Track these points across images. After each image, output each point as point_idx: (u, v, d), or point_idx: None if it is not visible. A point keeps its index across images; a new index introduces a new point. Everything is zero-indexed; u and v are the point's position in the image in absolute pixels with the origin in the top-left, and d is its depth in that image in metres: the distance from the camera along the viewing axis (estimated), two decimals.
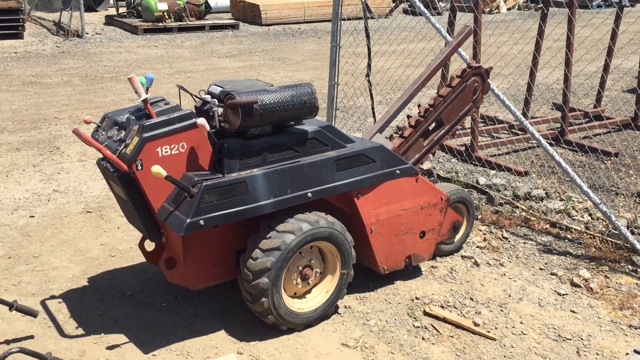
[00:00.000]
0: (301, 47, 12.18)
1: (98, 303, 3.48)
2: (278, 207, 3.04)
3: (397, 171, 3.48)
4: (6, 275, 3.72)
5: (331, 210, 3.48)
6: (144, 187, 2.88)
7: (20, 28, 11.57)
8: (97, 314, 3.38)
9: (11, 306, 3.02)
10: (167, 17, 13.23)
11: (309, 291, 3.35)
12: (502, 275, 3.90)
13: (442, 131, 4.13)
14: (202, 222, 2.84)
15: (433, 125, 4.14)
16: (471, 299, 3.61)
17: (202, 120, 2.88)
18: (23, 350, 2.58)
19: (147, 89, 3.18)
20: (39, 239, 4.19)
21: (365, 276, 3.76)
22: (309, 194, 3.14)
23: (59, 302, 3.47)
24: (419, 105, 4.14)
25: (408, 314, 3.44)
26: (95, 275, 3.76)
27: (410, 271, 3.87)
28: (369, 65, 5.88)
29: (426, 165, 5.67)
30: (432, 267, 3.95)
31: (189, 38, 12.75)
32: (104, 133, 3.10)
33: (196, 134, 2.94)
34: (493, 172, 5.48)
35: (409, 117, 4.12)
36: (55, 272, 3.77)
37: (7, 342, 3.11)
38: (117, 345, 3.11)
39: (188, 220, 2.80)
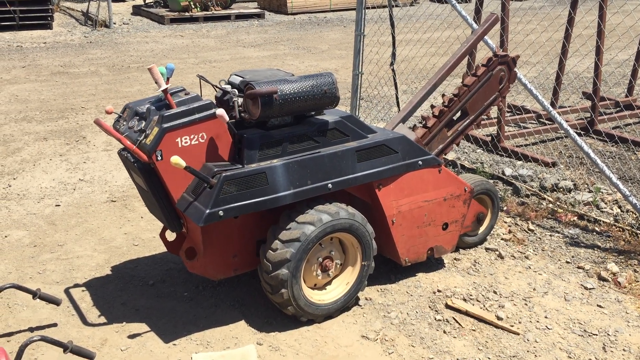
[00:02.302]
0: (327, 36, 12.11)
1: (120, 292, 3.51)
2: (298, 198, 3.02)
3: (420, 162, 3.43)
4: (32, 263, 3.78)
5: (352, 201, 3.45)
6: (163, 177, 2.88)
7: (49, 18, 11.71)
8: (119, 302, 3.41)
9: (34, 294, 3.05)
10: (193, 6, 13.27)
11: (329, 282, 3.33)
12: (527, 269, 3.83)
13: (467, 121, 4.06)
14: (221, 212, 2.83)
15: (457, 115, 4.08)
16: (494, 292, 3.55)
17: (221, 111, 2.87)
18: (44, 339, 2.61)
19: (168, 79, 3.17)
20: (64, 228, 4.24)
21: (387, 268, 3.72)
22: (329, 185, 3.11)
23: (82, 291, 3.51)
24: (443, 95, 4.07)
25: (429, 307, 3.40)
26: (118, 264, 3.79)
27: (433, 263, 3.82)
28: (393, 54, 5.81)
29: (451, 156, 5.60)
30: (455, 259, 3.90)
31: (215, 27, 12.77)
32: (124, 123, 3.10)
33: (216, 124, 2.93)
34: (520, 162, 5.38)
35: (432, 107, 4.06)
36: (80, 261, 3.82)
37: (31, 329, 3.15)
38: (138, 334, 3.13)
39: (207, 211, 2.79)
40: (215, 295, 3.49)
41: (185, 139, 2.88)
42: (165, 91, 2.93)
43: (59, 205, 4.58)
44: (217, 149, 2.98)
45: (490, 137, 5.87)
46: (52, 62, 9.24)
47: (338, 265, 3.30)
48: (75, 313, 3.30)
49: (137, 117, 3.04)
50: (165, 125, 2.81)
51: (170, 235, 3.45)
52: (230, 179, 2.85)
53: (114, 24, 12.38)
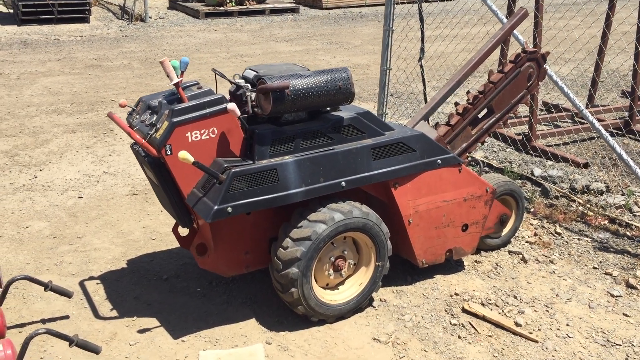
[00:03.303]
0: (360, 31, 11.99)
1: (134, 286, 3.50)
2: (309, 195, 2.96)
3: (439, 161, 3.32)
4: (50, 254, 3.81)
5: (368, 199, 3.37)
6: (173, 172, 2.85)
7: (86, 12, 11.87)
8: (132, 297, 3.40)
9: (46, 286, 3.06)
10: (228, 1, 13.30)
11: (342, 282, 3.26)
12: (551, 273, 3.69)
13: (492, 119, 3.94)
14: (230, 209, 2.78)
15: (483, 113, 3.95)
16: (515, 297, 3.42)
17: (232, 105, 2.82)
18: (50, 332, 2.61)
19: (182, 72, 3.14)
20: (85, 220, 4.27)
21: (404, 269, 3.63)
22: (343, 183, 3.04)
23: (97, 284, 3.51)
24: (467, 92, 3.95)
25: (445, 310, 3.30)
26: (134, 258, 3.79)
27: (452, 265, 3.71)
28: (422, 50, 5.68)
29: (479, 154, 5.45)
30: (475, 261, 3.78)
31: (249, 22, 12.78)
32: (137, 117, 3.08)
33: (227, 119, 2.88)
34: (550, 163, 5.21)
35: (457, 104, 3.95)
36: (97, 254, 3.83)
37: (44, 321, 3.17)
38: (148, 329, 3.12)
39: (215, 207, 2.75)
40: (228, 292, 3.45)
41: (196, 133, 2.84)
42: (176, 85, 2.90)
43: (81, 197, 4.62)
44: (229, 144, 2.93)
45: (520, 136, 5.71)
46: (86, 55, 9.36)
47: (351, 265, 3.23)
48: (88, 306, 3.30)
49: (150, 111, 3.01)
50: (175, 120, 2.78)
51: (183, 231, 3.42)
52: (240, 175, 2.80)
53: (150, 18, 12.50)
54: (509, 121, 5.58)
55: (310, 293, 3.04)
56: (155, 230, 4.14)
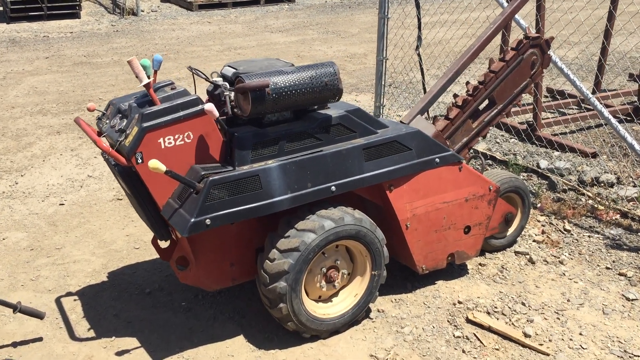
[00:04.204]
0: (358, 19, 11.69)
1: (114, 302, 3.27)
2: (296, 203, 2.71)
3: (437, 159, 3.07)
4: (26, 269, 3.58)
5: (363, 203, 3.12)
6: (146, 182, 2.61)
7: (77, 7, 11.60)
8: (111, 314, 3.17)
9: (15, 308, 2.84)
10: None
11: (335, 294, 3.02)
12: (561, 276, 3.44)
13: (494, 111, 3.68)
14: (208, 221, 2.54)
15: (484, 104, 3.69)
16: (523, 303, 3.18)
17: (209, 107, 2.57)
18: None
19: (155, 72, 2.89)
20: (65, 229, 4.03)
21: (403, 275, 3.39)
22: (333, 188, 2.79)
23: (74, 300, 3.28)
24: (467, 83, 3.69)
25: (448, 321, 3.06)
26: (116, 270, 3.56)
27: (455, 270, 3.47)
28: (419, 38, 5.41)
29: (482, 147, 5.19)
30: (479, 264, 3.54)
31: (244, 13, 12.49)
32: (107, 122, 2.84)
33: (204, 121, 2.63)
34: (557, 153, 4.95)
35: (455, 96, 3.69)
36: (75, 266, 3.60)
37: (15, 344, 2.94)
38: (127, 351, 2.89)
39: (192, 220, 2.51)
40: (215, 306, 3.22)
41: (169, 139, 2.59)
42: (147, 86, 2.65)
43: (62, 204, 4.38)
44: (207, 148, 2.69)
45: (525, 125, 5.44)
46: (76, 52, 9.11)
47: (345, 276, 2.98)
48: (64, 325, 3.07)
49: (120, 115, 2.77)
50: (146, 125, 2.53)
51: (163, 242, 3.18)
52: (219, 184, 2.56)
53: (142, 11, 12.21)
54: (512, 110, 5.32)
55: (300, 308, 2.80)
56: (139, 238, 3.90)
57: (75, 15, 11.64)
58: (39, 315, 2.94)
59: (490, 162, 4.91)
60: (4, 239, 3.91)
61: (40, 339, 2.97)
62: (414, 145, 3.00)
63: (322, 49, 9.21)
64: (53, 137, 5.68)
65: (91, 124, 3.03)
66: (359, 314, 3.01)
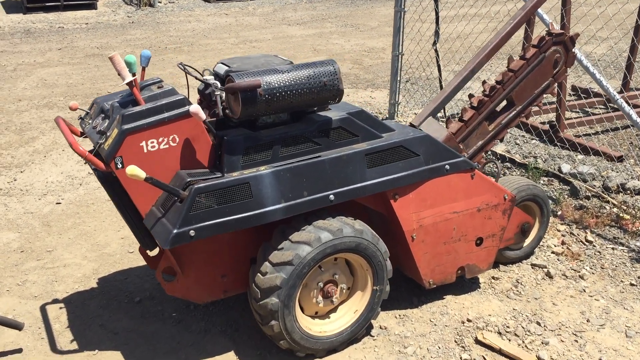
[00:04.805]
0: (378, 12, 11.42)
1: (102, 310, 3.09)
2: (290, 213, 2.49)
3: (447, 166, 2.83)
4: (13, 272, 3.42)
5: (367, 211, 2.90)
6: (127, 189, 2.41)
7: None
8: (97, 324, 2.99)
9: None
10: None
11: (334, 310, 2.81)
12: (581, 292, 3.18)
13: (513, 113, 3.43)
14: (192, 232, 2.33)
15: (502, 105, 3.45)
16: (538, 323, 2.93)
17: (195, 108, 2.36)
18: None
19: (143, 68, 2.70)
20: (58, 230, 3.87)
21: (409, 287, 3.17)
22: (331, 197, 2.57)
23: (60, 308, 3.11)
24: (483, 83, 3.44)
25: (456, 341, 2.82)
26: (107, 276, 3.38)
27: (465, 283, 3.23)
28: (436, 33, 5.15)
29: (500, 148, 4.92)
30: (493, 277, 3.29)
31: (262, 4, 12.28)
32: (90, 122, 2.65)
33: (190, 124, 2.43)
34: (580, 157, 4.66)
35: (471, 96, 3.44)
36: (65, 271, 3.43)
37: None
38: None
39: (174, 231, 2.30)
40: (207, 318, 3.02)
41: (152, 142, 2.39)
42: (130, 84, 2.45)
43: (59, 203, 4.22)
44: (195, 153, 2.48)
45: (547, 125, 5.15)
46: (89, 43, 8.98)
47: (344, 291, 2.77)
48: (46, 336, 2.90)
49: (102, 115, 2.57)
50: (126, 127, 2.33)
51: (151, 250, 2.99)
52: (205, 192, 2.35)
53: (159, 2, 12.07)
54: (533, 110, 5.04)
55: (293, 325, 2.59)
56: (134, 242, 3.72)
57: (92, 6, 11.54)
58: (17, 327, 2.77)
59: (508, 164, 4.64)
60: None
61: (19, 351, 2.81)
62: (422, 151, 2.76)
63: (339, 43, 8.97)
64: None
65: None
66: (358, 332, 2.79)
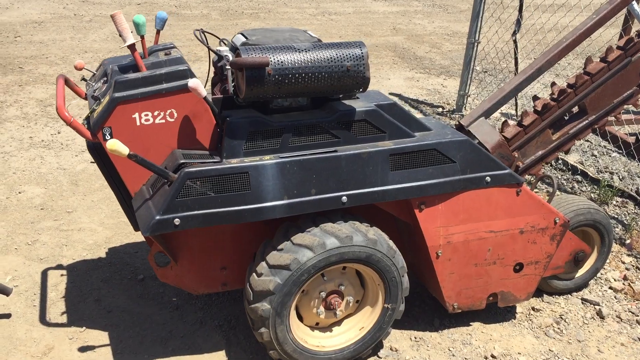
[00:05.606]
0: None
1: (102, 284, 2.93)
2: (293, 212, 2.19)
3: (487, 178, 2.43)
4: (27, 230, 3.32)
5: (395, 218, 2.55)
6: (114, 163, 2.19)
7: None
8: (93, 298, 2.83)
9: None
10: None
11: (338, 322, 2.50)
12: (635, 341, 2.72)
13: (584, 123, 2.98)
14: (177, 221, 2.08)
15: (572, 113, 3.00)
16: None
17: (194, 83, 2.08)
18: None
19: (158, 32, 2.47)
20: (84, 191, 3.75)
21: (432, 306, 2.81)
22: (344, 198, 2.24)
23: (61, 275, 2.97)
24: (552, 84, 2.99)
25: None
26: (117, 247, 3.22)
27: (497, 310, 2.84)
28: (517, 22, 4.64)
29: (573, 158, 4.40)
30: (532, 308, 2.88)
31: None
32: (93, 84, 2.43)
33: (191, 99, 2.16)
34: None
35: (535, 98, 3.00)
36: (78, 235, 3.29)
37: None
38: (92, 348, 2.53)
39: (157, 217, 2.06)
40: (206, 308, 2.80)
41: (147, 115, 2.14)
42: (131, 47, 2.20)
43: (93, 162, 4.11)
44: (194, 132, 2.22)
45: (634, 138, 4.56)
46: (169, 1, 8.92)
47: (351, 304, 2.45)
48: (38, 304, 2.77)
49: (104, 79, 2.35)
50: (118, 95, 2.09)
51: None
52: (196, 177, 2.08)
53: None
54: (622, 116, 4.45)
55: (286, 336, 2.31)
56: None
57: None
58: (5, 292, 2.64)
59: (579, 177, 4.13)
60: (19, 193, 3.68)
61: (8, 316, 2.68)
62: (459, 157, 2.38)
63: (421, 24, 8.47)
64: None
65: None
66: (362, 351, 2.48)
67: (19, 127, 4.61)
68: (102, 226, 3.39)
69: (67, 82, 2.44)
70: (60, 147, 4.32)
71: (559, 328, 2.77)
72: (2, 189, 3.71)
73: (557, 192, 2.87)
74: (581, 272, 2.99)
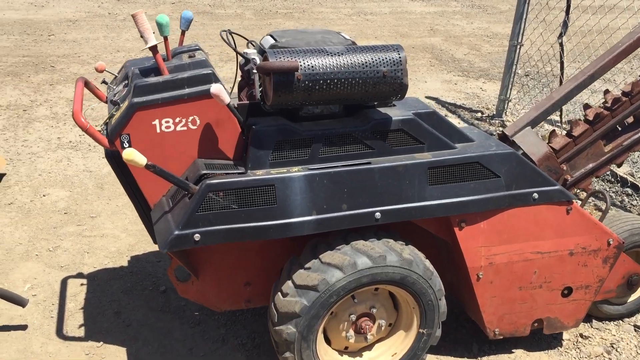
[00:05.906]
0: None
1: (122, 295, 2.81)
2: (323, 228, 2.02)
3: (535, 194, 2.23)
4: (49, 235, 3.22)
5: (434, 235, 2.37)
6: (133, 173, 2.05)
7: None
8: (113, 310, 2.71)
9: None
10: None
11: (369, 347, 2.33)
12: None
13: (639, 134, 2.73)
14: (197, 236, 1.93)
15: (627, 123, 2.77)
16: None
17: (217, 88, 1.93)
18: None
19: (183, 32, 2.33)
20: (109, 195, 3.65)
21: (470, 332, 2.61)
22: (377, 214, 2.07)
23: (81, 285, 2.86)
24: (606, 92, 2.77)
25: None
26: (140, 255, 3.10)
27: (543, 336, 2.62)
28: (564, 24, 4.39)
29: (623, 169, 4.14)
30: (581, 335, 2.66)
31: None
32: (114, 87, 2.31)
33: (215, 105, 2.01)
34: None
35: (586, 107, 2.78)
36: (101, 242, 3.18)
37: None
38: None
39: (176, 232, 1.91)
40: (229, 325, 2.65)
41: (167, 122, 2.00)
42: (153, 49, 2.07)
43: None
44: (217, 140, 2.07)
45: None
46: (203, 0, 8.84)
47: (383, 327, 2.27)
48: (56, 315, 2.66)
49: (125, 82, 2.22)
50: (137, 100, 1.96)
51: None
52: (218, 189, 1.93)
53: None
54: None
55: None
56: None
57: None
58: (21, 303, 2.54)
59: (629, 190, 3.87)
60: (44, 196, 3.60)
61: (24, 328, 2.58)
62: (504, 172, 2.18)
63: (460, 24, 8.22)
64: None
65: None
66: None
67: (47, 127, 4.55)
68: (125, 232, 3.28)
69: (87, 84, 2.31)
70: (88, 148, 4.24)
71: (609, 358, 2.54)
72: (27, 191, 3.63)
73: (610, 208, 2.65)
74: (634, 296, 2.76)
